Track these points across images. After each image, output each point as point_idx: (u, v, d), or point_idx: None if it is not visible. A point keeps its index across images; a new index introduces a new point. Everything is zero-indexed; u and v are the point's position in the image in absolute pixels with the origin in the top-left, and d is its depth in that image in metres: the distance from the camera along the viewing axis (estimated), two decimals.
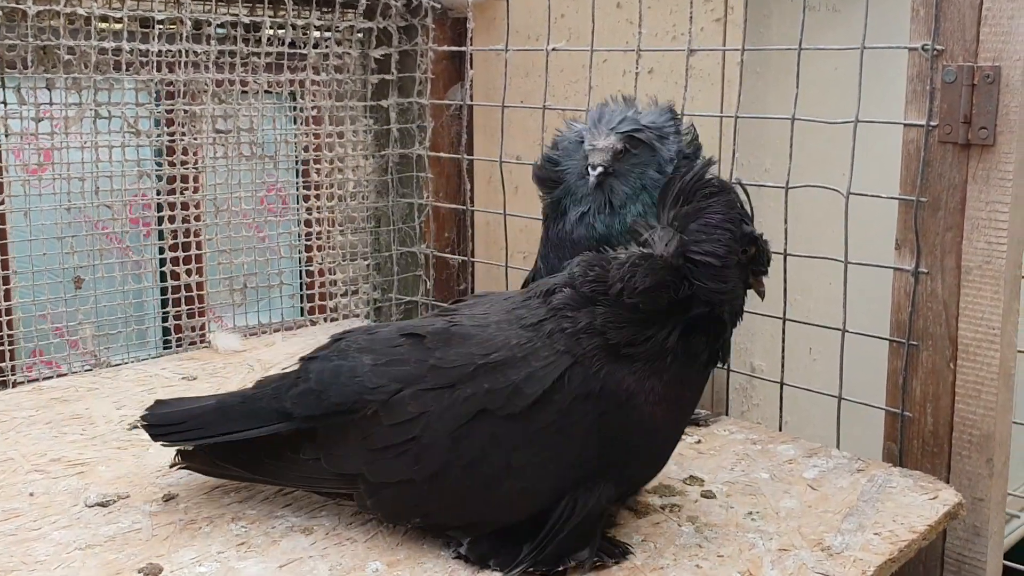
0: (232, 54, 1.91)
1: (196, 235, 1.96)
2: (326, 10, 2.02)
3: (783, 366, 1.65)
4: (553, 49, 1.86)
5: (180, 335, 1.96)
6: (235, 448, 1.22)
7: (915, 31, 1.46)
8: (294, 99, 2.05)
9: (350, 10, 2.05)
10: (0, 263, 1.76)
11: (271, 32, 1.95)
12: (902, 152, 1.50)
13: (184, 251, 1.94)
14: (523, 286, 1.61)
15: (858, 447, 1.54)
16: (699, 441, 1.54)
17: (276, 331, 2.09)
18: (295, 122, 2.06)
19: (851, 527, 1.26)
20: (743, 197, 1.15)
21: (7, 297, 1.75)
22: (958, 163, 1.43)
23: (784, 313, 1.63)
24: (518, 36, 1.95)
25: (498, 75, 2.07)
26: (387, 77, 2.13)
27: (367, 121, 2.16)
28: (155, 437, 1.26)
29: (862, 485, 1.38)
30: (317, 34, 2.02)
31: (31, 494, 1.29)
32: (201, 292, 1.98)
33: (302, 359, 1.25)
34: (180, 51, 1.82)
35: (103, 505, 1.26)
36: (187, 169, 1.93)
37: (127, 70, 1.79)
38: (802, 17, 1.59)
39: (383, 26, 2.09)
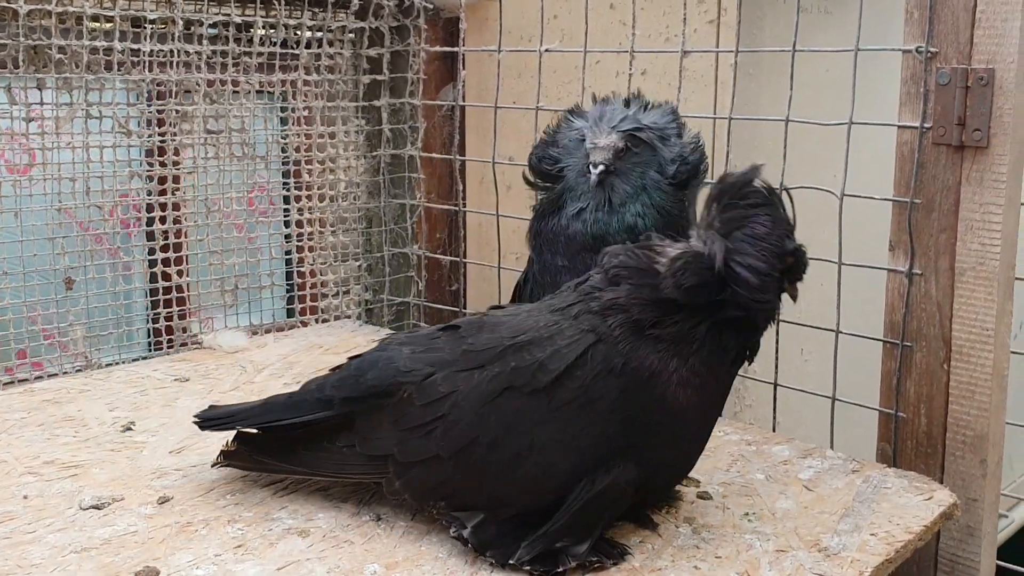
0: (224, 54, 1.91)
1: (187, 236, 1.95)
2: (318, 10, 2.01)
3: (776, 367, 1.65)
4: (546, 50, 1.87)
5: (171, 336, 1.94)
6: (274, 442, 1.28)
7: (909, 33, 1.47)
8: (285, 99, 2.04)
9: (342, 10, 2.04)
10: None
11: (263, 32, 1.94)
12: (896, 154, 1.50)
13: (175, 252, 1.93)
14: (517, 286, 1.61)
15: (850, 448, 1.54)
16: None
17: (267, 332, 2.08)
18: (286, 122, 2.05)
19: (847, 528, 1.26)
20: (788, 206, 1.15)
21: None
22: (952, 165, 1.44)
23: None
24: (511, 37, 1.95)
25: (490, 76, 2.07)
26: (379, 77, 2.13)
27: (359, 122, 2.15)
28: (203, 428, 1.32)
29: (857, 486, 1.38)
30: (309, 34, 2.02)
31: (25, 497, 1.28)
32: (192, 293, 1.97)
33: (349, 358, 1.30)
34: (172, 51, 1.81)
35: (98, 508, 1.25)
36: (178, 169, 1.92)
37: (118, 70, 1.78)
38: (795, 19, 1.59)
39: (375, 26, 2.08)
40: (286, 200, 2.09)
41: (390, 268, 2.22)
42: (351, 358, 1.30)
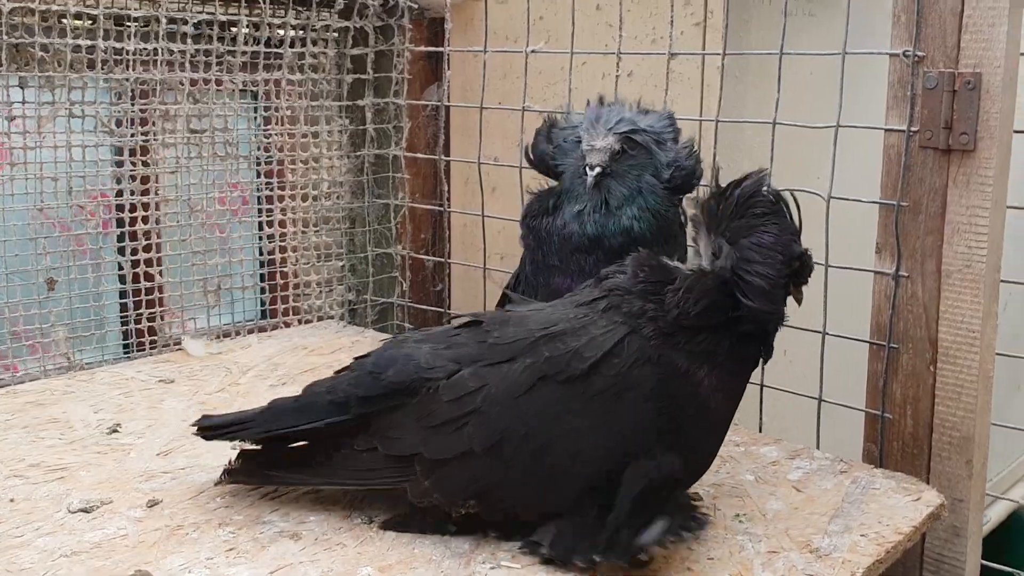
0: (207, 53, 1.89)
1: (169, 236, 1.93)
2: (301, 9, 2.00)
3: (763, 369, 1.66)
4: (532, 51, 1.86)
5: (154, 337, 1.93)
6: (286, 456, 1.23)
7: (896, 37, 1.48)
8: (268, 98, 2.03)
9: (326, 9, 2.03)
10: None
11: (247, 31, 1.93)
12: (883, 156, 1.51)
13: (157, 252, 1.92)
14: (507, 286, 1.60)
15: (836, 449, 1.55)
16: None
17: (250, 332, 2.07)
18: (270, 122, 2.04)
19: (838, 529, 1.27)
20: (794, 210, 1.16)
21: None
22: (939, 168, 1.45)
23: None
24: (496, 37, 1.95)
25: (475, 76, 2.06)
26: (363, 77, 2.12)
27: (342, 121, 2.14)
28: (207, 437, 1.28)
29: (846, 487, 1.39)
30: (292, 33, 2.00)
31: (11, 500, 1.27)
32: (175, 293, 1.95)
33: (355, 359, 1.26)
34: (156, 49, 1.79)
35: (86, 511, 1.24)
36: (160, 169, 1.90)
37: (102, 68, 1.76)
38: (783, 22, 1.60)
39: (359, 26, 2.07)
40: (269, 200, 2.08)
41: (374, 268, 2.21)
42: (358, 358, 1.26)
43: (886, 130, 1.50)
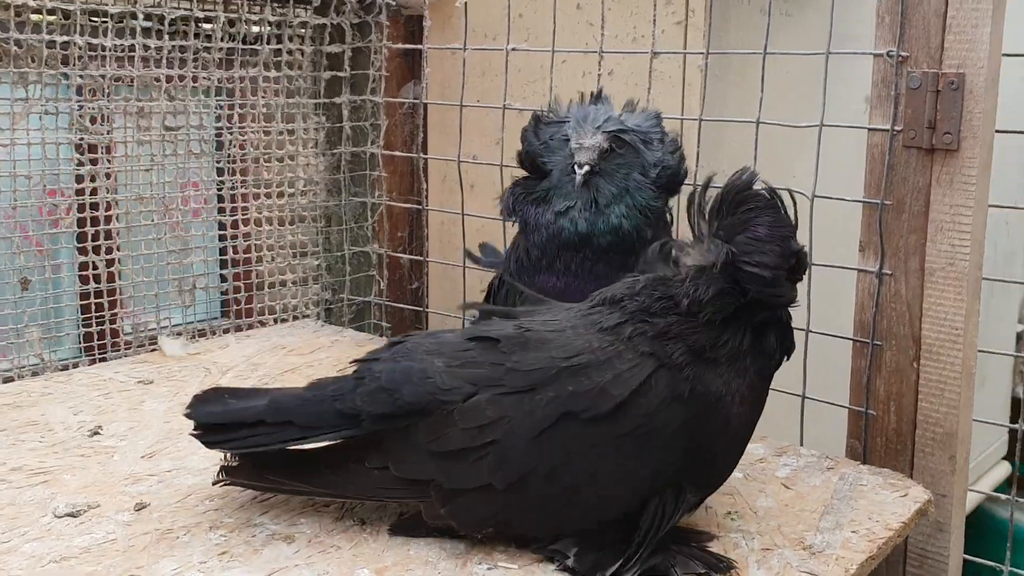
0: (183, 49, 1.87)
1: (145, 234, 1.91)
2: (278, 5, 1.98)
3: None
4: (513, 49, 1.86)
5: (128, 336, 1.90)
6: (290, 459, 1.17)
7: (880, 37, 1.49)
8: (244, 96, 2.00)
9: (303, 6, 2.01)
10: None
11: (223, 27, 1.90)
12: (866, 156, 1.52)
13: (132, 251, 1.89)
14: (490, 287, 1.60)
15: (820, 445, 1.57)
16: None
17: (225, 331, 2.05)
18: (245, 119, 2.01)
19: (829, 525, 1.28)
20: (788, 206, 1.15)
21: None
22: (922, 167, 1.47)
23: None
24: (474, 35, 1.94)
25: (453, 74, 2.05)
26: (339, 74, 2.10)
27: (318, 119, 2.12)
28: (209, 444, 1.20)
29: (834, 483, 1.40)
30: (269, 30, 1.98)
31: None
32: (149, 293, 1.92)
33: (358, 361, 1.21)
34: (133, 45, 1.77)
35: (73, 515, 1.22)
36: (132, 166, 1.87)
37: (76, 64, 1.73)
38: (767, 22, 1.60)
39: (336, 22, 2.06)
40: (244, 198, 2.05)
41: (350, 267, 2.19)
42: (365, 361, 1.21)
43: (870, 129, 1.51)
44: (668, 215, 1.51)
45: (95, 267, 1.84)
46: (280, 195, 2.10)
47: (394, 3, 2.07)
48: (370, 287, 2.20)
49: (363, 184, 2.16)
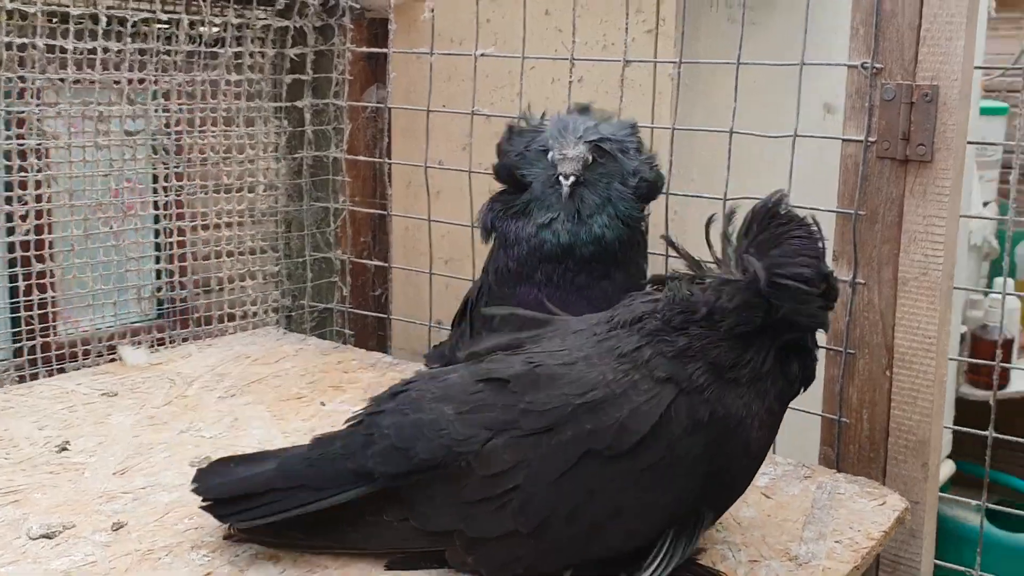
0: (143, 52, 1.82)
1: (104, 241, 1.86)
2: (239, 6, 1.94)
3: None
4: (482, 55, 1.84)
5: (87, 347, 1.85)
6: (302, 518, 1.13)
7: (854, 49, 1.50)
8: (205, 99, 1.96)
9: (265, 8, 1.97)
10: None
11: (185, 30, 1.86)
12: (840, 166, 1.54)
13: (91, 258, 1.84)
14: (467, 300, 1.58)
15: (792, 453, 1.58)
16: None
17: (185, 340, 2.01)
18: (205, 123, 1.97)
19: (812, 535, 1.28)
20: (817, 229, 1.13)
21: None
22: (896, 178, 1.48)
23: None
24: (440, 39, 1.92)
25: (419, 78, 2.03)
26: (302, 77, 2.07)
27: (280, 122, 2.09)
28: (223, 518, 1.16)
29: (813, 492, 1.41)
30: (231, 32, 1.94)
31: None
32: (110, 301, 1.88)
33: (364, 413, 1.18)
34: (95, 48, 1.72)
35: (48, 537, 1.18)
36: (92, 171, 1.82)
37: (34, 67, 1.68)
38: (740, 32, 1.61)
39: (299, 25, 2.02)
40: (204, 203, 2.01)
41: (312, 273, 2.16)
42: (367, 413, 1.17)
43: (844, 140, 1.52)
44: (644, 224, 1.51)
45: (41, 276, 1.78)
46: (240, 200, 2.06)
47: (358, 6, 2.04)
48: (332, 294, 2.17)
49: (325, 189, 2.13)
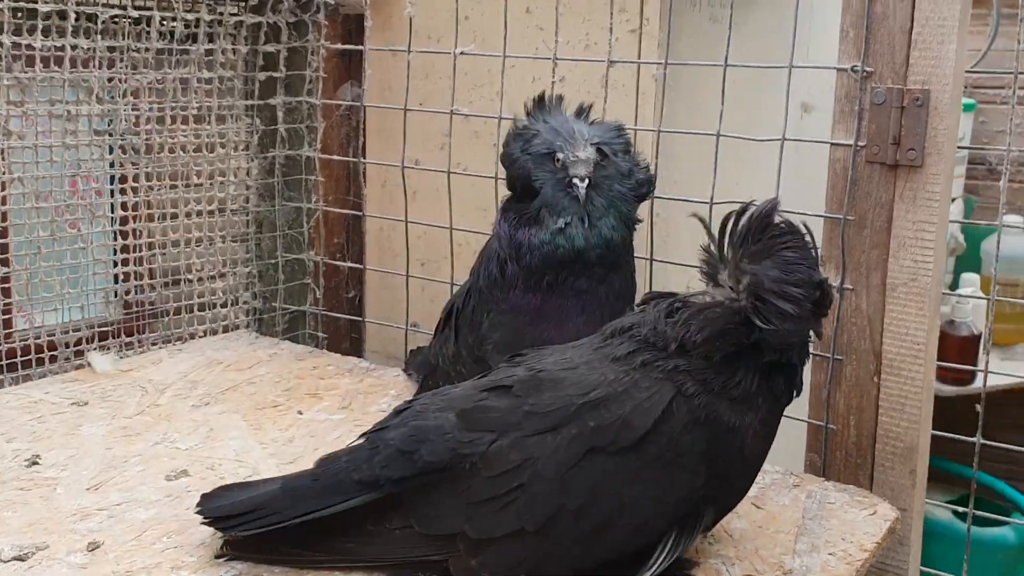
0: (111, 49, 1.76)
1: (71, 243, 1.80)
2: (211, 2, 1.88)
3: None
4: (462, 53, 1.81)
5: (54, 351, 1.79)
6: (299, 531, 1.11)
7: (844, 52, 1.48)
8: (175, 96, 1.90)
9: (238, 3, 1.92)
10: None
11: (156, 26, 1.80)
12: (829, 171, 1.52)
13: (59, 261, 1.78)
14: (454, 308, 1.54)
15: (778, 459, 1.55)
16: None
17: (154, 344, 1.95)
18: (176, 120, 1.91)
19: (805, 548, 1.26)
20: (810, 238, 1.12)
21: None
22: (885, 183, 1.47)
23: None
24: (417, 37, 1.88)
25: (394, 75, 1.99)
26: (274, 75, 2.01)
27: (251, 120, 2.03)
28: (225, 530, 1.14)
29: (803, 502, 1.39)
30: (202, 29, 1.88)
31: None
32: (75, 305, 1.82)
33: (368, 434, 1.16)
34: (64, 46, 1.66)
35: (21, 559, 1.13)
36: (57, 171, 1.76)
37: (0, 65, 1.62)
38: (727, 35, 1.59)
39: (272, 21, 1.97)
40: (173, 203, 1.96)
41: (284, 275, 2.11)
42: (372, 433, 1.16)
43: (832, 144, 1.51)
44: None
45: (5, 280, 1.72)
46: (210, 199, 2.00)
47: (332, 2, 1.99)
48: (304, 296, 2.13)
49: (298, 188, 2.08)
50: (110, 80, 1.78)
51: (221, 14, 1.90)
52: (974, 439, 1.56)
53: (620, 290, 1.43)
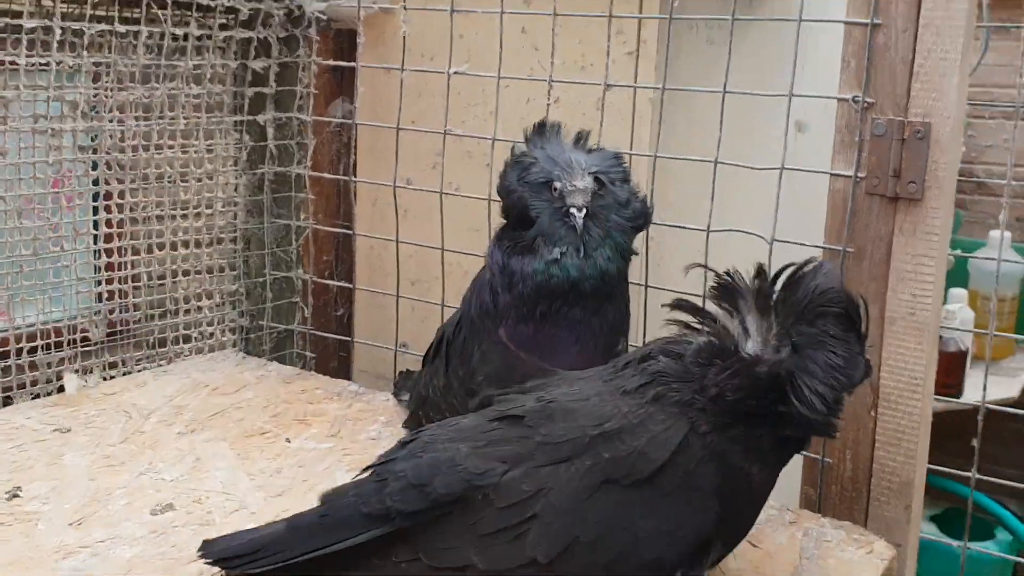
0: (97, 64, 1.73)
1: (53, 262, 1.77)
2: (201, 16, 1.85)
3: None
4: (456, 72, 1.78)
5: (35, 372, 1.76)
6: (302, 568, 1.08)
7: (845, 82, 1.46)
8: (162, 112, 1.87)
9: (228, 16, 1.89)
10: None
11: (144, 41, 1.77)
12: (828, 201, 1.50)
13: (41, 279, 1.75)
14: (444, 336, 1.51)
15: (773, 492, 1.54)
16: None
17: (139, 363, 1.92)
18: (163, 136, 1.88)
19: None
20: (862, 312, 1.10)
21: None
22: (885, 215, 1.45)
23: None
24: (411, 54, 1.85)
25: (386, 93, 1.97)
26: (264, 90, 1.98)
27: (240, 137, 2.00)
28: (230, 570, 1.11)
29: (800, 540, 1.37)
30: (192, 43, 1.85)
31: None
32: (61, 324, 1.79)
33: (374, 467, 1.13)
34: (49, 62, 1.63)
35: None
36: (44, 188, 1.73)
37: None
38: (718, 54, 1.57)
39: (263, 36, 1.94)
40: (159, 219, 1.92)
41: (272, 293, 2.08)
42: (379, 465, 1.12)
43: (832, 175, 1.49)
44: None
45: None
46: (198, 216, 1.97)
47: (324, 17, 1.96)
48: (292, 314, 2.10)
49: (287, 206, 2.05)
50: (95, 95, 1.74)
51: (211, 28, 1.87)
52: (968, 474, 1.55)
53: (614, 321, 1.41)
